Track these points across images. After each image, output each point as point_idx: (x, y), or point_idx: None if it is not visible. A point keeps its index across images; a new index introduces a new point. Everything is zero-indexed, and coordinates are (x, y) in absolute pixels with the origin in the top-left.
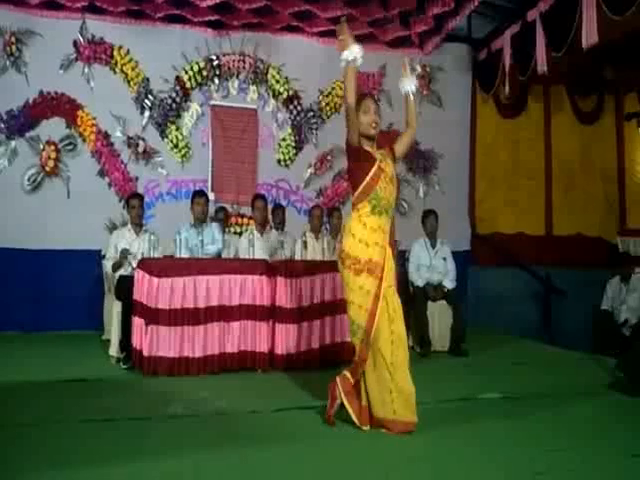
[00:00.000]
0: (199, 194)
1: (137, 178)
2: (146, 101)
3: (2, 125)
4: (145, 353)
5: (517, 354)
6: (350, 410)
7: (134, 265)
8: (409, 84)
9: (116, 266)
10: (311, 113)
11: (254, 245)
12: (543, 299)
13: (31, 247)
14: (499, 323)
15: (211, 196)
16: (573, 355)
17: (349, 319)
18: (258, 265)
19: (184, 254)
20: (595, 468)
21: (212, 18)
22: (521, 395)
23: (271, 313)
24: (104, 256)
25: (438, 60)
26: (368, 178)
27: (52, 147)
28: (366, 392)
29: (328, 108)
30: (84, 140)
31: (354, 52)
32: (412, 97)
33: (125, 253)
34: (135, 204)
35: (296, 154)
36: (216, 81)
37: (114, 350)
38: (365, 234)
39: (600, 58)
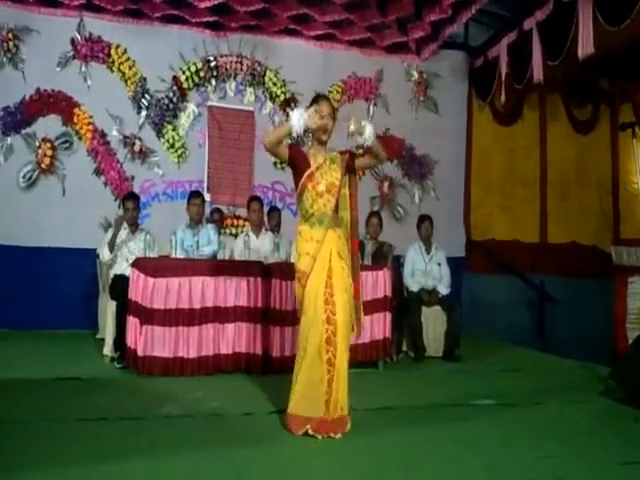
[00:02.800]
0: (195, 195)
1: (133, 177)
2: (143, 101)
3: None
4: (140, 353)
5: (510, 361)
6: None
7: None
8: (367, 139)
9: (112, 245)
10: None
11: (249, 247)
12: (537, 307)
13: (25, 244)
14: (493, 330)
15: (207, 197)
16: (566, 363)
17: None
18: (253, 267)
19: (179, 255)
20: (586, 475)
21: (210, 19)
22: (514, 402)
23: (266, 315)
24: (98, 255)
25: (435, 67)
26: (299, 187)
27: (48, 144)
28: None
29: None
30: (80, 138)
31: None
32: (374, 144)
33: (120, 220)
34: (130, 206)
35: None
36: (213, 82)
37: (108, 349)
38: (299, 243)
39: (596, 68)
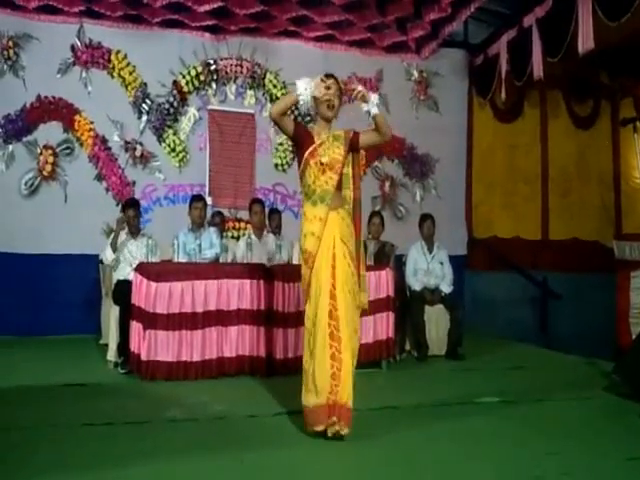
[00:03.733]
0: (197, 199)
1: (134, 182)
2: (143, 105)
3: None
4: (143, 357)
5: (514, 358)
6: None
7: (125, 270)
8: (373, 105)
9: (114, 244)
10: (308, 118)
11: (252, 249)
12: (540, 303)
13: (28, 251)
14: (496, 327)
15: (208, 201)
16: (569, 359)
17: None
18: (256, 269)
19: (182, 259)
20: (591, 471)
21: (210, 23)
22: (518, 399)
23: (269, 317)
24: (101, 261)
25: (435, 65)
26: (301, 166)
27: (49, 151)
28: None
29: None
30: (81, 144)
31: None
32: (379, 116)
33: (121, 221)
34: (130, 214)
35: (293, 158)
36: (213, 86)
37: (112, 354)
38: (304, 224)
39: (596, 63)
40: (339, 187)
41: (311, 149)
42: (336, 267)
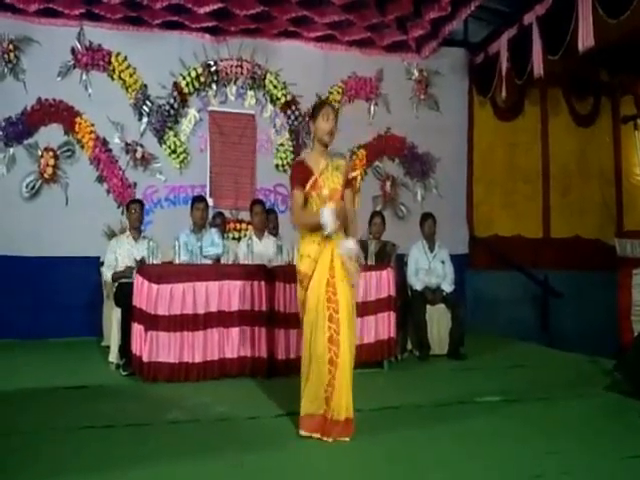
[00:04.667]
0: (199, 200)
1: (135, 184)
2: (144, 107)
3: (0, 132)
4: (145, 359)
5: (515, 357)
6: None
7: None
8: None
9: (115, 278)
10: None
11: (253, 250)
12: (541, 302)
13: (29, 254)
14: (497, 326)
15: (209, 202)
16: (571, 357)
17: None
18: (257, 271)
19: (184, 258)
20: (592, 470)
21: (210, 24)
22: (519, 397)
23: (270, 318)
24: (102, 263)
25: (435, 64)
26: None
27: (50, 154)
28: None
29: None
30: (82, 147)
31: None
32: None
33: (129, 271)
34: (135, 208)
35: (294, 159)
36: (214, 87)
37: (114, 356)
38: (302, 246)
39: (597, 61)
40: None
41: (312, 182)
42: (335, 277)
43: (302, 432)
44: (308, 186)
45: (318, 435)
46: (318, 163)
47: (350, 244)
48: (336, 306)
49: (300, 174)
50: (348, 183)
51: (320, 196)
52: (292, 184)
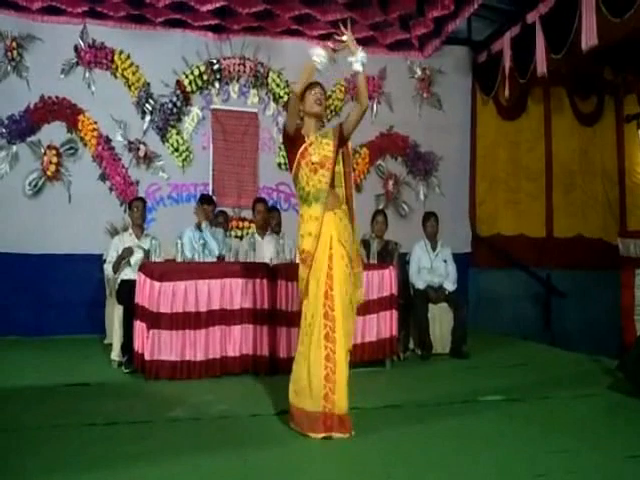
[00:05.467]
0: (208, 201)
1: (138, 182)
2: (147, 105)
3: (3, 130)
4: (147, 357)
5: (518, 356)
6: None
7: (132, 263)
8: (357, 60)
9: (116, 266)
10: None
11: (255, 249)
12: (544, 301)
13: (32, 252)
14: (500, 325)
15: None
16: (574, 356)
17: None
18: (259, 268)
19: (187, 255)
20: (595, 469)
21: (213, 22)
22: (522, 396)
23: (272, 316)
24: (105, 260)
25: (438, 63)
26: (294, 168)
27: (53, 152)
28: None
29: (328, 111)
30: (85, 144)
31: (321, 56)
32: (361, 75)
33: (127, 252)
34: (138, 205)
35: None
36: (217, 85)
37: (116, 354)
38: (301, 225)
39: (600, 60)
40: (332, 185)
41: (302, 149)
42: (333, 268)
43: (305, 431)
44: (298, 153)
45: (321, 435)
46: (309, 135)
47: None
48: (332, 303)
49: (299, 130)
50: (342, 142)
51: (309, 164)
52: (283, 127)
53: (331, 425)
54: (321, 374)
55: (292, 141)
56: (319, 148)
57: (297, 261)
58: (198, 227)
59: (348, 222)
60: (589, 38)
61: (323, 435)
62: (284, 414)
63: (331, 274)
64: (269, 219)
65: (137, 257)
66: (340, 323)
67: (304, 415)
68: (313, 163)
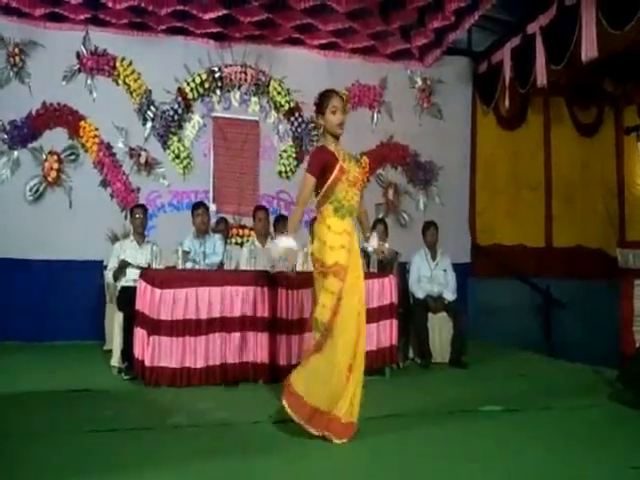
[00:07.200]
0: (198, 205)
1: (139, 189)
2: (148, 112)
3: (5, 135)
4: (147, 363)
5: (517, 366)
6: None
7: (129, 276)
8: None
9: (116, 275)
10: (312, 125)
11: (255, 256)
12: (543, 311)
13: (33, 257)
14: (499, 335)
15: (212, 207)
16: (573, 367)
17: (312, 315)
18: (259, 276)
19: (187, 264)
20: None
21: (214, 30)
22: (522, 407)
23: (273, 324)
24: (106, 267)
25: (439, 73)
26: (329, 182)
27: (54, 157)
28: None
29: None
30: (86, 151)
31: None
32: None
33: (124, 264)
34: (139, 212)
35: (297, 166)
36: (218, 93)
37: (116, 360)
38: (330, 237)
39: (600, 71)
40: (360, 204)
41: (339, 166)
42: (360, 284)
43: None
44: (336, 171)
45: (326, 434)
46: (337, 151)
47: (284, 242)
48: (361, 316)
49: (324, 158)
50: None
51: (349, 180)
52: (310, 167)
53: (334, 428)
54: (343, 381)
55: (327, 163)
56: (351, 167)
57: (299, 269)
58: (196, 236)
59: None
60: (589, 49)
61: (319, 433)
62: (284, 422)
63: (360, 288)
64: (279, 227)
65: (134, 270)
66: (364, 334)
67: (314, 411)
68: (350, 180)
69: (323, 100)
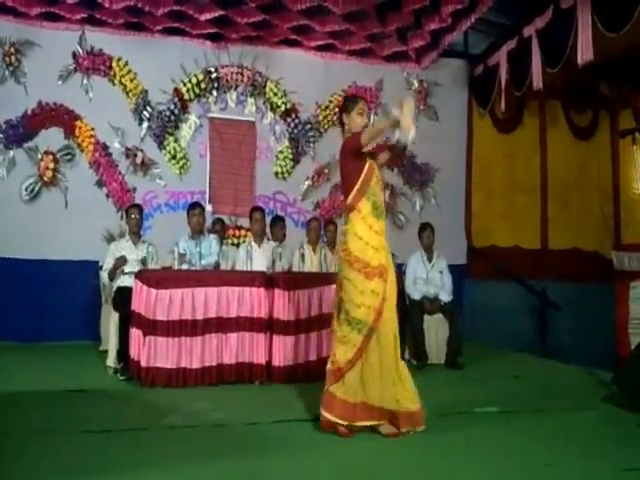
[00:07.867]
0: (193, 206)
1: (135, 189)
2: (144, 112)
3: (0, 135)
4: (143, 364)
5: (513, 367)
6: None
7: (126, 270)
8: (406, 136)
9: (112, 274)
10: (309, 126)
11: (252, 257)
12: (539, 313)
13: (28, 257)
14: (495, 336)
15: (209, 208)
16: (569, 369)
17: (351, 317)
18: (256, 277)
19: (182, 266)
20: None
21: (211, 31)
22: (517, 408)
23: (269, 325)
24: (102, 267)
25: (435, 75)
26: (363, 175)
27: (50, 157)
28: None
29: (325, 121)
30: (82, 151)
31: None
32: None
33: (121, 262)
34: (134, 212)
35: (293, 167)
36: (214, 93)
37: (112, 361)
38: (372, 237)
39: (596, 74)
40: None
41: (370, 164)
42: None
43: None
44: (367, 167)
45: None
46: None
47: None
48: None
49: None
50: None
51: (377, 177)
52: (358, 137)
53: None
54: (393, 377)
55: (360, 153)
56: (375, 167)
57: (295, 269)
58: (192, 236)
59: None
60: (585, 53)
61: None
62: (280, 422)
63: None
64: (275, 228)
65: (132, 265)
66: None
67: (363, 407)
68: (379, 178)
69: (352, 101)
